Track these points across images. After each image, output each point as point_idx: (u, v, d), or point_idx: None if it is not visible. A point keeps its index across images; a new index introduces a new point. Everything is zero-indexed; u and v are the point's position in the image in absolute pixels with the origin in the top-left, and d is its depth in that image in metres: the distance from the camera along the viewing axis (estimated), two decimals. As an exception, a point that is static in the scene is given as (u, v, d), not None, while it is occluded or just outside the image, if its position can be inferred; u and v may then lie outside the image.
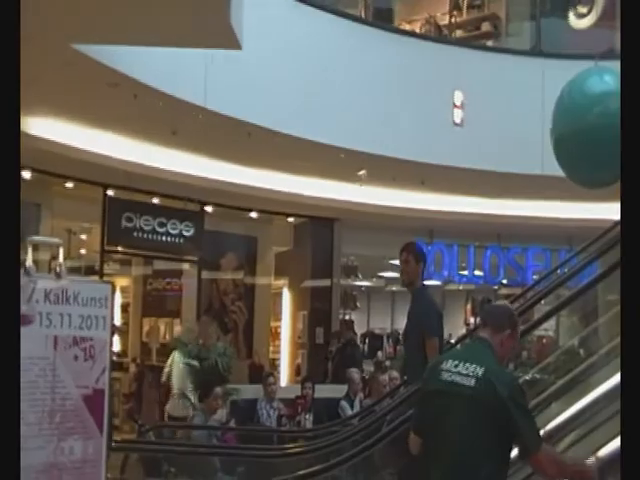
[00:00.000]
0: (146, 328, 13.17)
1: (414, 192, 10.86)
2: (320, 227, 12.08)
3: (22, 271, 3.26)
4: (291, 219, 12.00)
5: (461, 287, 16.16)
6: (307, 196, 10.61)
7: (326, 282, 12.13)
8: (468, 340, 3.53)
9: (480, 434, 3.04)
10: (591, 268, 5.16)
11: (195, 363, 9.01)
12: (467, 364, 3.15)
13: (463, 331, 14.35)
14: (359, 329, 18.96)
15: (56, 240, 3.03)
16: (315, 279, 12.17)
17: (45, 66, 6.20)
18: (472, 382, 3.08)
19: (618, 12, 9.21)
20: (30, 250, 2.79)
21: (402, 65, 9.36)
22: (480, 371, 3.09)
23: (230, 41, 5.78)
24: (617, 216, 2.44)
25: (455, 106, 9.53)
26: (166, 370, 9.16)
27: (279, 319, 12.81)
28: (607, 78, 4.93)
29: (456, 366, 3.18)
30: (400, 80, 9.29)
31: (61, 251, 3.14)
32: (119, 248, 10.76)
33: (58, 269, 3.38)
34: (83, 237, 11.79)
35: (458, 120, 9.52)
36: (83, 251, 11.93)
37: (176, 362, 9.04)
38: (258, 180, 10.03)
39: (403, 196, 11.01)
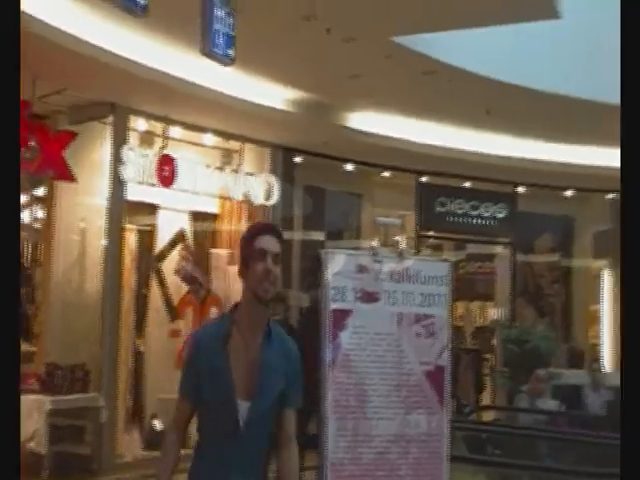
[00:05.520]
0: (459, 311, 13.34)
1: None
2: (644, 203, 11.12)
3: (370, 252, 3.52)
4: (610, 195, 11.24)
5: None
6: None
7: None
8: None
9: None
10: None
11: (513, 347, 8.92)
12: None
13: None
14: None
15: (397, 220, 3.26)
16: (640, 259, 11.26)
17: (366, 62, 6.57)
18: None
19: None
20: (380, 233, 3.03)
21: None
22: None
23: (548, 11, 5.59)
24: None
25: None
26: None
27: (601, 302, 12.12)
28: None
29: None
30: None
31: (401, 235, 3.33)
32: (432, 233, 11.02)
33: (400, 249, 3.59)
34: (399, 224, 12.28)
35: None
36: (400, 237, 12.43)
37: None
38: (574, 156, 9.57)
39: None
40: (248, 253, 2.53)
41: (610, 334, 11.90)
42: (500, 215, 10.60)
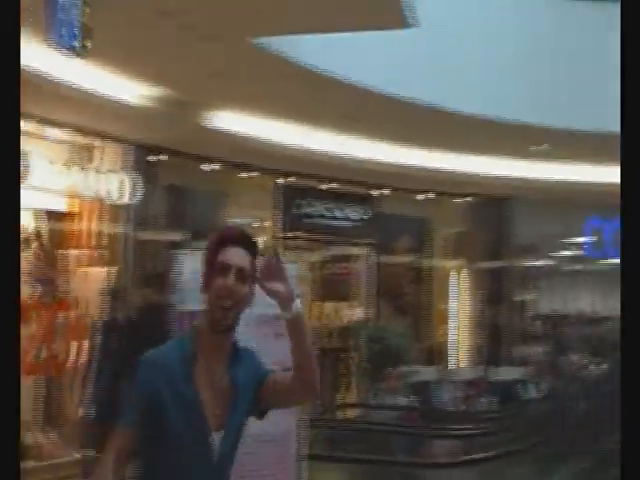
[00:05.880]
0: (321, 312, 13.50)
1: (596, 166, 10.29)
2: (494, 206, 11.82)
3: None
4: (464, 199, 11.83)
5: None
6: (480, 175, 10.40)
7: (502, 263, 11.88)
8: None
9: None
10: None
11: (372, 345, 9.15)
12: None
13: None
14: (539, 310, 18.32)
15: (251, 221, 3.26)
16: (490, 260, 11.93)
17: (227, 61, 6.51)
18: None
19: None
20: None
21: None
22: None
23: (397, 21, 5.76)
24: None
25: None
26: None
27: (453, 301, 12.69)
28: None
29: None
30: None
31: (260, 236, 3.34)
32: (295, 234, 11.09)
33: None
34: (260, 225, 12.29)
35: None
36: (261, 239, 12.44)
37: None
38: (430, 161, 9.98)
39: (582, 170, 10.48)
40: (209, 265, 2.16)
41: (464, 331, 12.48)
42: (362, 217, 10.85)
